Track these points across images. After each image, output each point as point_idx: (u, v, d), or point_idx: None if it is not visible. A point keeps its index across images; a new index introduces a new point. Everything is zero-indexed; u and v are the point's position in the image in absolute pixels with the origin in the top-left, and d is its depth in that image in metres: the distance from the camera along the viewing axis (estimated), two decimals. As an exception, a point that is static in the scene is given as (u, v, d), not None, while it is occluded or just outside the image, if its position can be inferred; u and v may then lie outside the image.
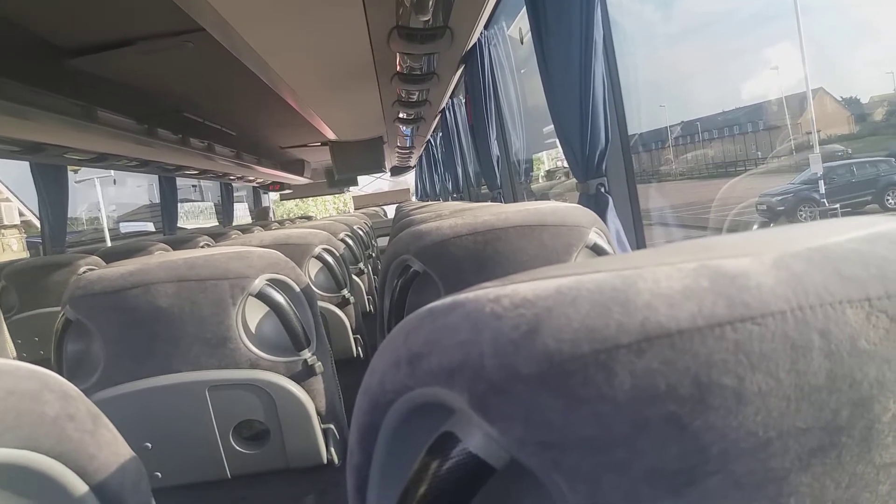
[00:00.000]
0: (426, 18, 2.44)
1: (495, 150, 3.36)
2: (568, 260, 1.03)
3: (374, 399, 0.32)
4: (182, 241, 4.02)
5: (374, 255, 4.05)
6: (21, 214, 10.28)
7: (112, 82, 3.24)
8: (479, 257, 1.02)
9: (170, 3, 2.02)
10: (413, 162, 9.58)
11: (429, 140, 7.01)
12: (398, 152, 7.96)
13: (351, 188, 11.51)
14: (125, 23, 2.56)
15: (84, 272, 1.13)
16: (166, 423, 1.14)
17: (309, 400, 1.18)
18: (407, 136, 6.13)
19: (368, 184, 11.89)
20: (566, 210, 1.05)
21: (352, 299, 2.00)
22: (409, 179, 11.90)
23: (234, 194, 8.92)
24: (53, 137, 3.47)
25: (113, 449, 0.54)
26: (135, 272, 1.09)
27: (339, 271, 1.93)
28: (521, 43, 3.35)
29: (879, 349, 0.27)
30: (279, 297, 1.15)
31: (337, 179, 8.41)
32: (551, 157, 5.65)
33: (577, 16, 1.63)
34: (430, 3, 2.23)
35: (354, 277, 2.41)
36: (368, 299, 2.75)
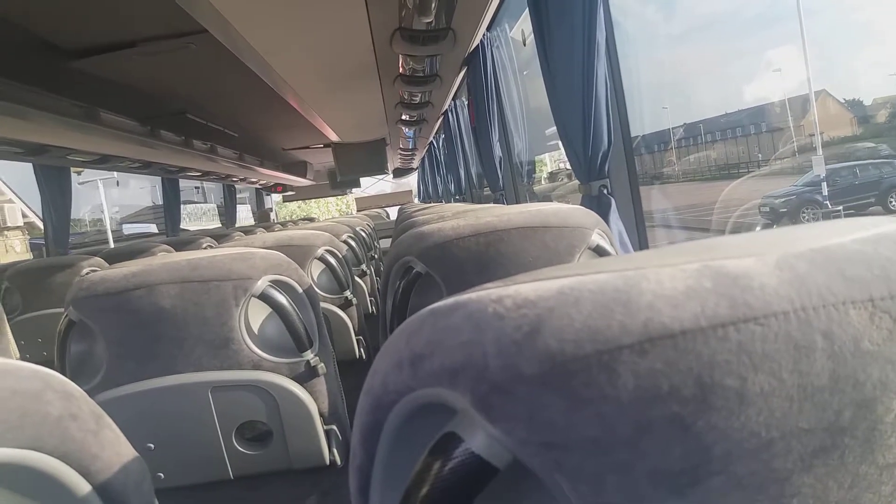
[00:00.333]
0: (429, 20, 2.44)
1: (498, 151, 3.36)
2: (570, 261, 1.03)
3: (376, 400, 0.32)
4: (185, 242, 4.03)
5: (376, 256, 4.05)
6: (24, 216, 10.31)
7: (115, 84, 3.24)
8: (482, 259, 1.02)
9: (172, 5, 2.02)
10: (415, 164, 9.58)
11: (431, 142, 7.01)
12: (401, 154, 7.96)
13: (353, 190, 11.51)
14: (128, 24, 2.56)
15: (87, 273, 1.13)
16: (169, 424, 1.14)
17: (311, 401, 1.18)
18: (409, 137, 6.13)
19: (371, 185, 11.91)
20: (569, 211, 1.05)
21: (354, 301, 2.00)
22: (411, 181, 11.92)
23: (238, 196, 8.93)
24: (56, 139, 3.48)
25: (116, 449, 0.54)
26: (138, 273, 1.09)
27: (342, 273, 1.93)
28: (524, 44, 3.35)
29: (883, 350, 0.27)
30: (282, 299, 1.15)
31: (339, 181, 8.43)
32: (554, 159, 5.65)
33: (579, 17, 1.63)
34: (433, 4, 2.23)
35: (357, 279, 2.41)
36: (371, 301, 2.75)
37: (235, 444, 1.16)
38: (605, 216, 1.68)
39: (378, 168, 6.79)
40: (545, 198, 5.23)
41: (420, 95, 3.88)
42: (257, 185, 9.32)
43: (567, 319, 0.26)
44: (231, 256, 1.13)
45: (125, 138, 3.91)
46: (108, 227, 12.62)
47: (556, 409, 0.25)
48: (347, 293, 1.96)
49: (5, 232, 10.04)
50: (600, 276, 0.28)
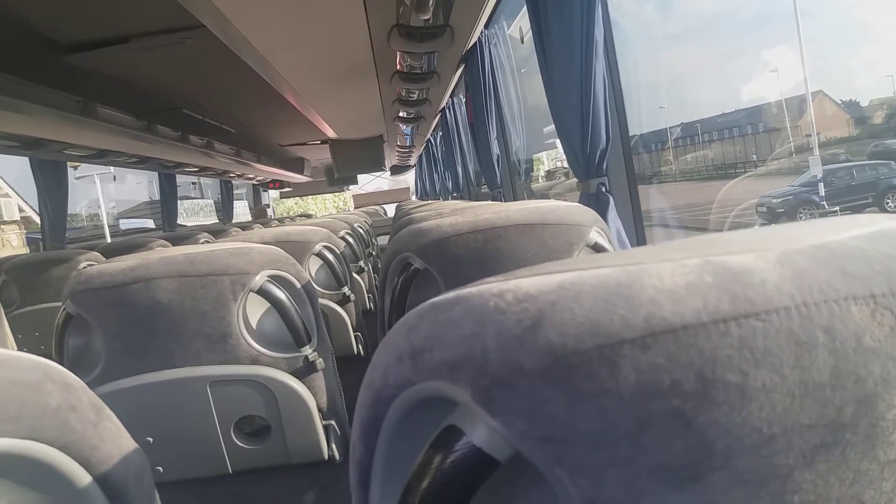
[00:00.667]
0: (426, 17, 2.43)
1: (495, 149, 3.36)
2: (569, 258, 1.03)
3: (376, 394, 0.32)
4: (182, 237, 4.01)
5: (374, 253, 4.05)
6: (21, 210, 10.28)
7: (111, 78, 3.23)
8: (480, 255, 1.02)
9: (169, 0, 2.01)
10: (413, 161, 9.58)
11: (429, 139, 7.01)
12: (398, 151, 7.96)
13: (351, 187, 11.50)
14: (124, 19, 2.55)
15: (84, 268, 1.13)
16: (167, 418, 1.14)
17: (310, 396, 1.18)
18: (407, 134, 6.12)
19: (368, 182, 11.90)
20: (567, 209, 1.05)
21: (352, 297, 2.00)
22: (409, 178, 11.89)
23: (235, 192, 8.92)
24: (52, 133, 3.47)
25: (116, 441, 0.54)
26: (135, 267, 1.09)
27: (340, 269, 1.93)
28: (522, 42, 3.35)
29: (884, 346, 0.27)
30: (280, 294, 1.15)
31: (337, 178, 8.40)
32: (551, 157, 5.66)
33: (577, 15, 1.63)
34: (431, 1, 2.22)
35: (355, 275, 2.41)
36: (369, 297, 2.75)
37: (234, 438, 1.16)
38: (603, 214, 1.68)
39: (375, 165, 6.78)
40: (543, 196, 5.24)
41: (418, 92, 3.88)
42: (254, 182, 9.31)
43: (568, 314, 0.26)
44: (229, 251, 1.13)
45: (122, 133, 3.90)
46: (105, 222, 12.59)
47: (557, 403, 0.25)
48: (345, 289, 1.96)
49: (1, 226, 10.01)
50: (601, 270, 0.28)
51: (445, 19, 2.63)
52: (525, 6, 1.89)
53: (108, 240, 8.92)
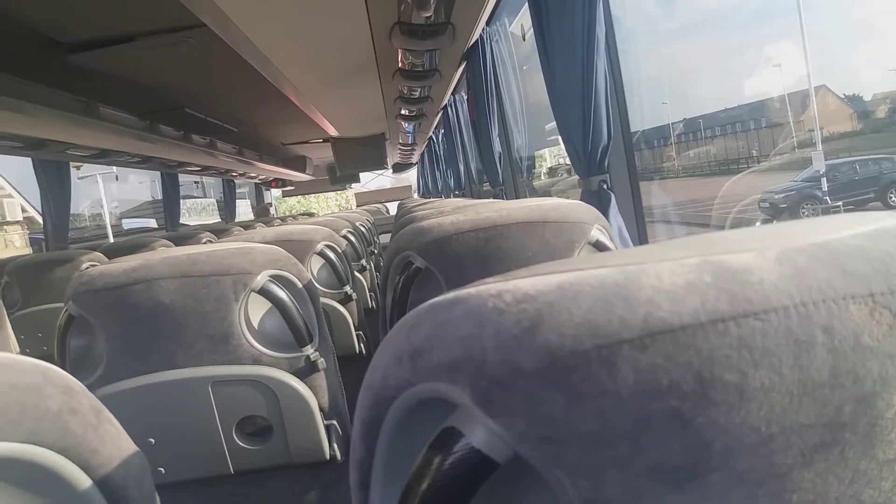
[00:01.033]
0: (428, 14, 2.43)
1: (497, 146, 3.36)
2: (570, 256, 1.03)
3: (376, 394, 0.32)
4: (184, 237, 4.02)
5: (376, 251, 4.05)
6: (24, 211, 10.31)
7: (113, 78, 3.24)
8: (482, 254, 1.02)
9: (171, -1, 2.02)
10: (415, 159, 9.57)
11: (431, 137, 7.00)
12: (400, 149, 7.95)
13: (353, 185, 11.49)
14: (126, 18, 2.56)
15: (87, 268, 1.13)
16: (169, 419, 1.14)
17: (311, 396, 1.18)
18: (409, 132, 6.12)
19: (370, 181, 11.88)
20: (568, 207, 1.05)
21: (354, 296, 2.00)
22: (411, 176, 11.88)
23: (237, 191, 8.92)
24: (55, 133, 3.48)
25: (116, 444, 0.54)
26: (137, 268, 1.09)
27: (342, 268, 1.93)
28: (524, 39, 3.34)
29: (883, 345, 0.27)
30: (281, 293, 1.15)
31: (339, 176, 8.40)
32: (553, 155, 5.64)
33: (579, 12, 1.62)
34: (432, -1, 2.23)
35: (357, 274, 2.41)
36: (371, 296, 2.75)
37: (236, 438, 1.17)
38: (604, 211, 1.68)
39: (377, 163, 6.78)
40: (545, 193, 5.23)
41: (419, 90, 3.88)
42: (257, 181, 9.32)
43: (566, 314, 0.26)
44: (230, 251, 1.13)
45: (124, 133, 3.91)
46: (108, 221, 12.62)
47: (556, 404, 0.25)
48: (347, 288, 1.96)
49: (4, 227, 10.04)
50: (600, 270, 0.28)
51: (447, 16, 2.62)
52: (526, 3, 1.89)
53: (111, 240, 8.94)
